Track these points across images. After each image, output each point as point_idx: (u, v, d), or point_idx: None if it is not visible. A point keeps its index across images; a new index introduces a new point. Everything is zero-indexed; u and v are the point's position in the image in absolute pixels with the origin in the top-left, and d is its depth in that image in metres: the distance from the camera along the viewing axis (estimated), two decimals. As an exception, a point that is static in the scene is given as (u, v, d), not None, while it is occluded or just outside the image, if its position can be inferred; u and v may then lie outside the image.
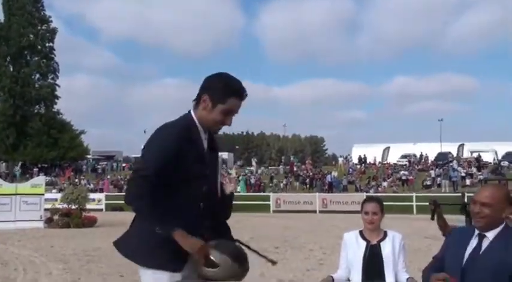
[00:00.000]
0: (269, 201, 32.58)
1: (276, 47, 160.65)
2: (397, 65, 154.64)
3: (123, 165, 57.16)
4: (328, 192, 36.89)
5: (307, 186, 41.45)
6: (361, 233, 3.96)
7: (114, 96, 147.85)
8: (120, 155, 68.68)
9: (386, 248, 3.86)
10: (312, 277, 8.71)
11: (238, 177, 42.72)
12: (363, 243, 3.90)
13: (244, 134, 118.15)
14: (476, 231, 2.88)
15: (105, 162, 58.70)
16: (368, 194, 31.53)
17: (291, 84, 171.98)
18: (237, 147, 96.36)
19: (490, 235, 2.82)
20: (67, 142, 59.26)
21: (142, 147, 2.76)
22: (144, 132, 75.02)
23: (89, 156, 63.94)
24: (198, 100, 2.78)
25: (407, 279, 3.74)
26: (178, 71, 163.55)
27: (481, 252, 2.80)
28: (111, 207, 31.30)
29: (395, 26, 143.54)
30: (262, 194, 37.56)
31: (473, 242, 2.86)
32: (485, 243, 2.82)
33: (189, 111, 2.82)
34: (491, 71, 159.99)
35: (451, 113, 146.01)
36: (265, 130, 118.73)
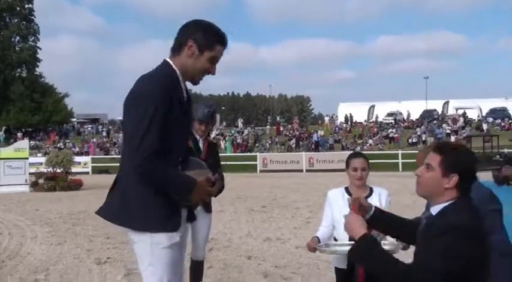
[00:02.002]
0: (256, 161, 32.66)
1: (263, 7, 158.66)
2: (384, 24, 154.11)
3: (109, 127, 56.81)
4: (315, 152, 37.03)
5: (294, 145, 41.56)
6: (346, 189, 3.85)
7: (98, 58, 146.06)
8: (105, 118, 68.18)
9: (374, 204, 3.80)
10: (300, 235, 8.75)
11: (225, 138, 42.70)
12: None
13: (230, 94, 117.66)
14: None
15: (90, 126, 58.23)
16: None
17: (276, 44, 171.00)
18: (223, 108, 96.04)
19: None
20: (51, 106, 58.46)
21: (125, 108, 2.57)
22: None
23: (73, 120, 63.35)
24: (179, 47, 2.62)
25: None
26: (164, 32, 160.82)
27: None
28: (97, 170, 31.16)
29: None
30: (248, 154, 37.60)
31: None
32: None
33: (165, 60, 2.65)
34: (478, 28, 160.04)
35: (437, 71, 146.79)
36: (251, 91, 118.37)
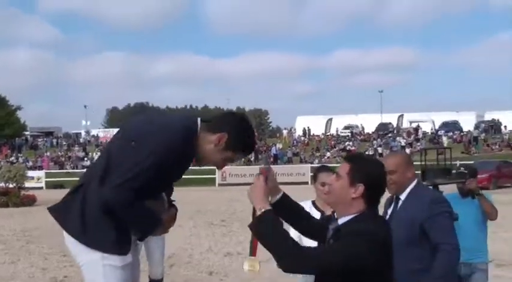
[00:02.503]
0: (214, 174, 32.49)
1: (221, 19, 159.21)
2: (341, 37, 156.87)
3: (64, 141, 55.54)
4: (273, 164, 37.17)
5: (253, 158, 41.59)
6: (313, 203, 3.85)
7: (53, 70, 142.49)
8: (60, 131, 66.63)
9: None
10: (261, 249, 8.72)
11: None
12: (317, 214, 3.83)
13: (188, 107, 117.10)
14: (395, 196, 3.28)
15: (44, 139, 56.78)
16: (313, 165, 32.00)
17: (235, 57, 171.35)
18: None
19: (403, 196, 3.20)
20: (2, 118, 56.79)
21: (133, 134, 2.49)
22: (85, 107, 74.01)
23: (26, 133, 61.66)
24: (213, 129, 2.51)
25: None
26: (119, 44, 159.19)
27: (396, 212, 3.20)
28: (52, 185, 30.32)
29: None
30: (207, 167, 37.29)
31: (392, 206, 3.28)
32: (399, 204, 3.22)
33: (197, 121, 2.56)
34: (430, 43, 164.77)
35: (392, 85, 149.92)
36: (209, 103, 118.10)
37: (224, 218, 13.51)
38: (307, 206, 3.84)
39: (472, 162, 27.38)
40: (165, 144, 2.41)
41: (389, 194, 3.32)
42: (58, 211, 2.57)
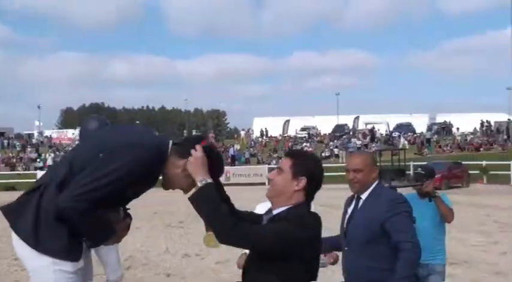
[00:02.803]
0: (172, 175, 32.23)
1: (180, 20, 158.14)
2: (299, 40, 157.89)
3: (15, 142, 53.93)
4: (231, 165, 37.16)
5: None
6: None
7: (4, 69, 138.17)
8: (11, 132, 64.67)
9: None
10: (217, 250, 8.70)
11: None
12: None
13: (145, 108, 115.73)
14: (356, 195, 3.32)
15: (-6, 140, 55.02)
16: (270, 166, 32.15)
17: (193, 58, 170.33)
18: (137, 122, 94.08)
19: (364, 196, 3.23)
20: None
21: (101, 152, 2.39)
22: (38, 107, 72.01)
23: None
24: (182, 154, 2.42)
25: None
26: (74, 44, 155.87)
27: (357, 211, 3.24)
28: (3, 187, 29.38)
29: (298, 1, 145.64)
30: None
31: (352, 205, 3.31)
32: (360, 203, 3.25)
33: (169, 145, 2.49)
34: (385, 47, 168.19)
35: (348, 87, 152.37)
36: (166, 104, 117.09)
37: (182, 219, 13.41)
38: (267, 206, 3.85)
39: (425, 163, 28.11)
40: (135, 160, 2.36)
41: (351, 193, 3.36)
42: (10, 211, 2.48)
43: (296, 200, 2.30)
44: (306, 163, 2.34)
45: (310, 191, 2.33)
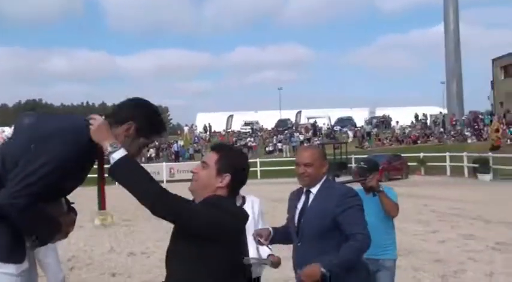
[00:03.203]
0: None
1: (120, 15, 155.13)
2: (240, 35, 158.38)
3: None
4: (175, 162, 36.82)
5: (154, 156, 40.93)
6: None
7: None
8: None
9: (248, 211, 3.81)
10: (164, 248, 8.59)
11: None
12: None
13: (85, 104, 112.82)
14: (304, 189, 3.28)
15: None
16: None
17: (134, 54, 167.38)
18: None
19: (314, 190, 3.22)
20: None
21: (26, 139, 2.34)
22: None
23: None
24: (118, 120, 2.43)
25: (268, 256, 3.58)
26: (8, 39, 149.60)
27: (308, 206, 3.21)
28: None
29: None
30: (106, 166, 36.11)
31: (302, 199, 3.28)
32: (311, 197, 3.23)
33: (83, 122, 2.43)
34: (325, 42, 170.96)
35: (290, 82, 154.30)
36: (106, 101, 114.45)
37: (127, 217, 13.18)
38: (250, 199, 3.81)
39: (366, 156, 28.83)
40: (69, 146, 2.30)
41: (299, 186, 3.34)
42: None
43: (219, 194, 2.28)
44: (232, 159, 2.32)
45: (234, 187, 2.31)
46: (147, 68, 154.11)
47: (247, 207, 3.75)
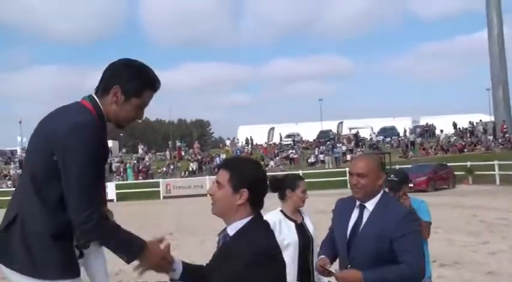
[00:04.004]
0: (159, 187, 32.09)
1: (160, 31, 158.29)
2: (279, 47, 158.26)
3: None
4: (218, 175, 36.98)
5: (197, 170, 41.35)
6: (283, 213, 3.75)
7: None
8: (-6, 149, 63.86)
9: (309, 226, 3.80)
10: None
11: (125, 165, 41.65)
12: (292, 224, 3.71)
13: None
14: (358, 202, 2.99)
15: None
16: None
17: (174, 68, 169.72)
18: (121, 134, 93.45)
19: (369, 205, 2.94)
20: None
21: (57, 154, 2.28)
22: (20, 123, 71.18)
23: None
24: (103, 91, 2.39)
25: None
26: (53, 57, 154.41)
27: (362, 224, 2.92)
28: (11, 198, 28.77)
29: (277, 8, 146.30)
30: (151, 180, 36.86)
31: (355, 214, 2.99)
32: (365, 214, 2.93)
33: (91, 98, 2.41)
34: (365, 51, 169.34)
35: (330, 93, 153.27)
36: (149, 116, 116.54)
37: (171, 231, 13.33)
38: (278, 217, 3.72)
39: (410, 166, 28.34)
40: (89, 144, 2.26)
41: (348, 197, 3.14)
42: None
43: (244, 213, 2.14)
44: (244, 173, 2.16)
45: (255, 200, 2.15)
46: (187, 81, 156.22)
47: (307, 221, 3.75)
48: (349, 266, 2.92)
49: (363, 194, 2.93)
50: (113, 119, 2.44)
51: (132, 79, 2.37)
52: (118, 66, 2.41)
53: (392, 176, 4.16)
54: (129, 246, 2.34)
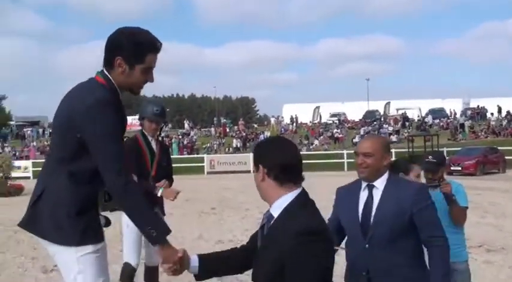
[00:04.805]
0: (203, 163, 32.49)
1: (208, 8, 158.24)
2: (327, 27, 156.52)
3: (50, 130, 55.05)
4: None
5: (241, 146, 41.59)
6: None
7: (38, 60, 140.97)
8: (46, 121, 65.96)
9: None
10: (251, 236, 8.72)
11: (171, 139, 42.29)
12: None
13: (175, 96, 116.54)
14: (364, 184, 2.98)
15: (29, 129, 56.21)
16: (302, 152, 31.96)
17: (221, 46, 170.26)
18: (168, 109, 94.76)
19: (379, 184, 2.92)
20: (-13, 108, 56.34)
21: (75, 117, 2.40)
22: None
23: (12, 123, 61.08)
24: (109, 64, 2.49)
25: None
26: (106, 33, 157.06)
27: (375, 203, 2.90)
28: (38, 174, 29.97)
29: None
30: (196, 156, 37.34)
31: (364, 195, 2.96)
32: (376, 193, 2.92)
33: (102, 73, 2.52)
34: (415, 31, 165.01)
35: (378, 73, 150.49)
36: (195, 92, 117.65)
37: (214, 206, 13.50)
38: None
39: (459, 148, 27.64)
40: (107, 115, 2.38)
41: (347, 184, 3.14)
42: (27, 223, 2.56)
43: (276, 192, 2.09)
44: (259, 151, 2.16)
45: (282, 176, 2.07)
46: (234, 59, 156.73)
47: None
48: (366, 246, 2.88)
49: (368, 173, 2.93)
50: (126, 87, 2.56)
51: (131, 47, 2.45)
52: (115, 38, 2.49)
53: (430, 157, 4.05)
54: (158, 223, 2.44)
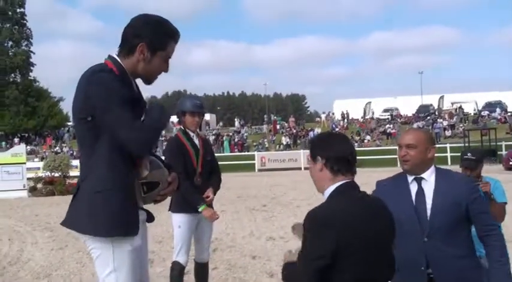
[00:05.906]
0: (254, 160, 32.60)
1: (257, 5, 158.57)
2: (377, 20, 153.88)
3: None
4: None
5: (291, 143, 41.50)
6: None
7: (94, 61, 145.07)
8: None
9: None
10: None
11: (222, 137, 42.68)
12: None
13: (225, 94, 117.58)
14: (410, 177, 2.90)
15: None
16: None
17: (270, 43, 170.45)
18: (218, 108, 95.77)
19: (428, 176, 2.86)
20: (46, 110, 58.40)
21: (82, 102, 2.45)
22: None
23: (69, 124, 63.18)
24: (129, 50, 2.50)
25: None
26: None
27: (428, 196, 2.82)
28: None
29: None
30: (246, 153, 37.53)
31: (413, 188, 2.88)
32: (426, 186, 2.84)
33: (111, 57, 2.54)
34: (470, 23, 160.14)
35: (432, 66, 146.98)
36: (246, 90, 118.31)
37: (265, 203, 13.51)
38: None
39: None
40: (107, 85, 2.37)
41: (388, 178, 3.08)
42: (68, 221, 2.55)
43: (327, 184, 2.24)
44: (313, 145, 2.33)
45: (334, 167, 2.22)
46: (284, 56, 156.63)
47: None
48: (425, 239, 2.79)
49: (411, 165, 2.86)
50: (143, 75, 2.56)
51: (155, 34, 2.49)
52: (139, 24, 2.52)
53: (469, 154, 4.02)
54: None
